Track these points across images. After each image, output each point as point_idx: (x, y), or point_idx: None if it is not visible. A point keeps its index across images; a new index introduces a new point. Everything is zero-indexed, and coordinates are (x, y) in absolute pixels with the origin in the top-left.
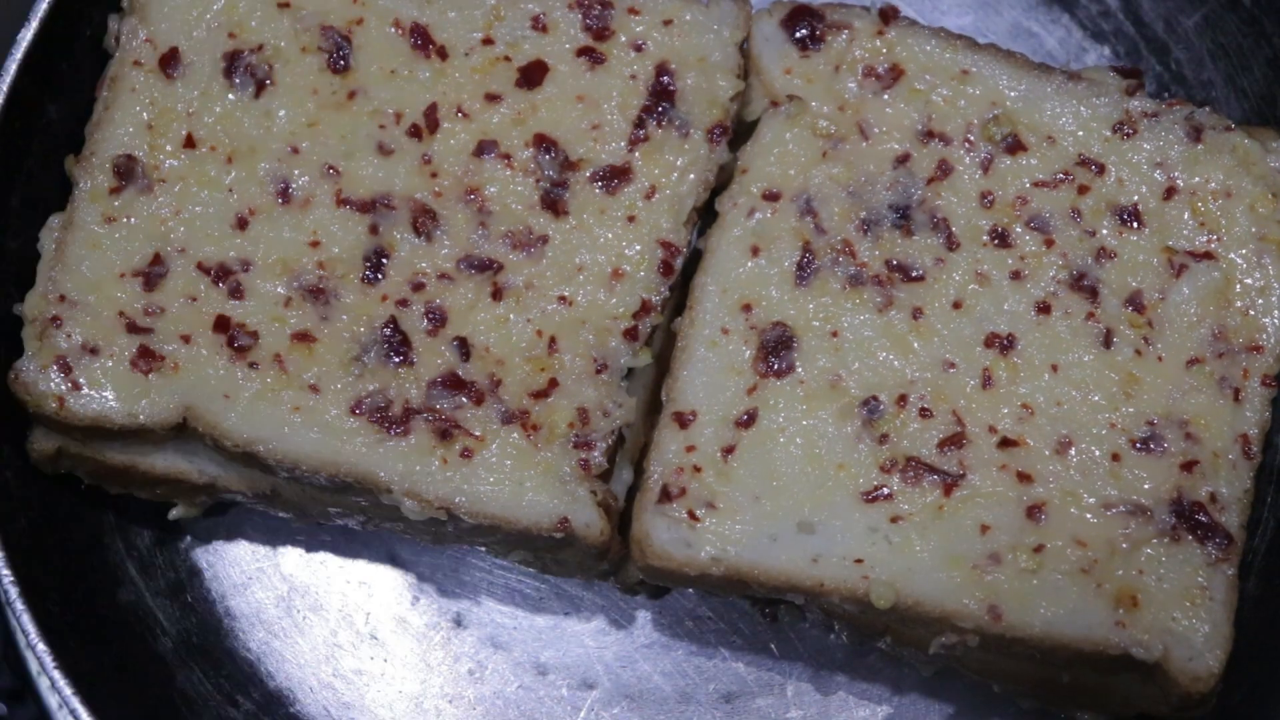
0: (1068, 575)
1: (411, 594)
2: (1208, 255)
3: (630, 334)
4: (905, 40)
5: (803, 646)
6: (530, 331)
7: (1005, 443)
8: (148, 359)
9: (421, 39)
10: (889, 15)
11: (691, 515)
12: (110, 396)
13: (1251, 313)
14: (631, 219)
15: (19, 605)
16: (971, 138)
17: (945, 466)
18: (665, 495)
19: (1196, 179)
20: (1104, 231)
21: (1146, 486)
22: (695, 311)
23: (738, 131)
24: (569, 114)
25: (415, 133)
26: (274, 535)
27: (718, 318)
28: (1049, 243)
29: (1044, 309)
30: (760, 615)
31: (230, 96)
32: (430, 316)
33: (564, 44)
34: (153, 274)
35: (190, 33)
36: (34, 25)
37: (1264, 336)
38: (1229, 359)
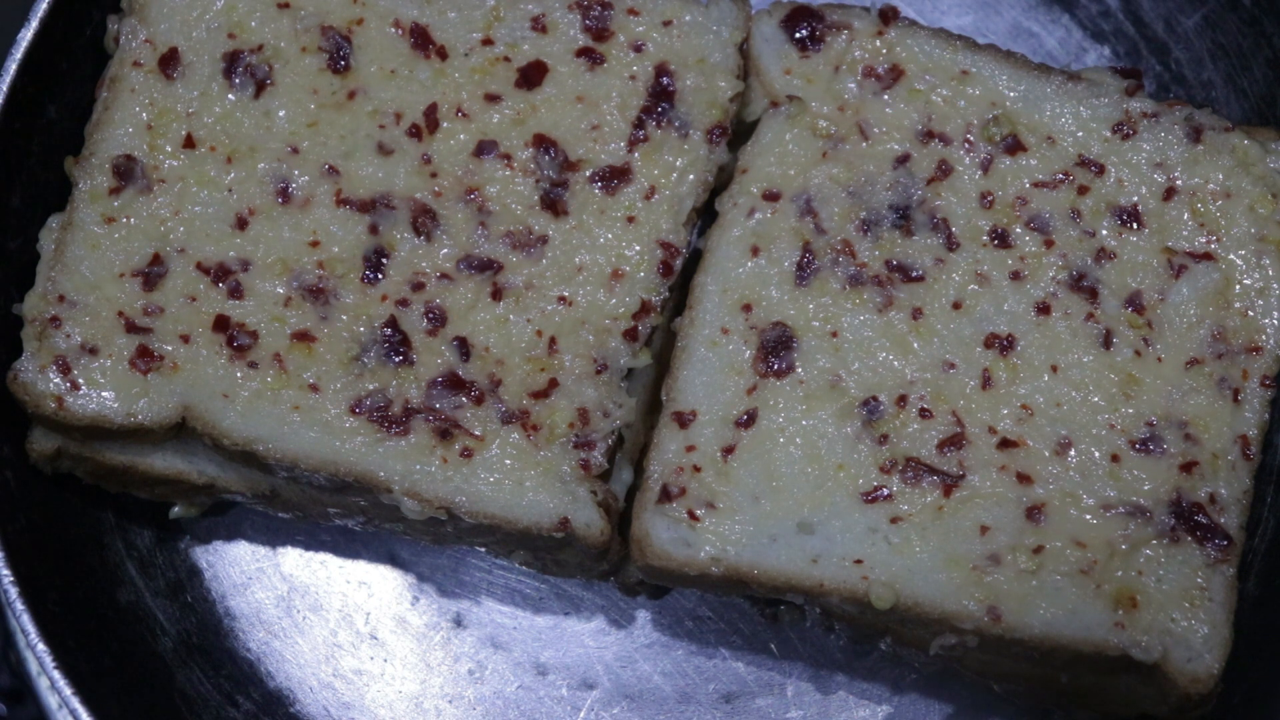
0: (1067, 576)
1: (411, 594)
2: (1207, 256)
3: (630, 334)
4: (905, 40)
5: (803, 646)
6: (530, 332)
7: (1005, 443)
8: (147, 359)
9: (421, 39)
10: (889, 15)
11: (691, 515)
12: (109, 396)
13: (1251, 314)
14: (631, 219)
15: (19, 605)
16: (971, 138)
17: (945, 467)
18: (665, 495)
19: (1196, 180)
20: (1104, 232)
21: (1146, 487)
22: (695, 311)
23: (737, 132)
24: (569, 114)
25: (415, 133)
26: (274, 535)
27: (718, 318)
28: (1049, 243)
29: (1044, 309)
30: (760, 615)
31: (230, 97)
32: (430, 316)
33: (563, 44)
34: (152, 274)
35: (190, 33)
36: (34, 25)
37: (1263, 337)
38: (1228, 360)
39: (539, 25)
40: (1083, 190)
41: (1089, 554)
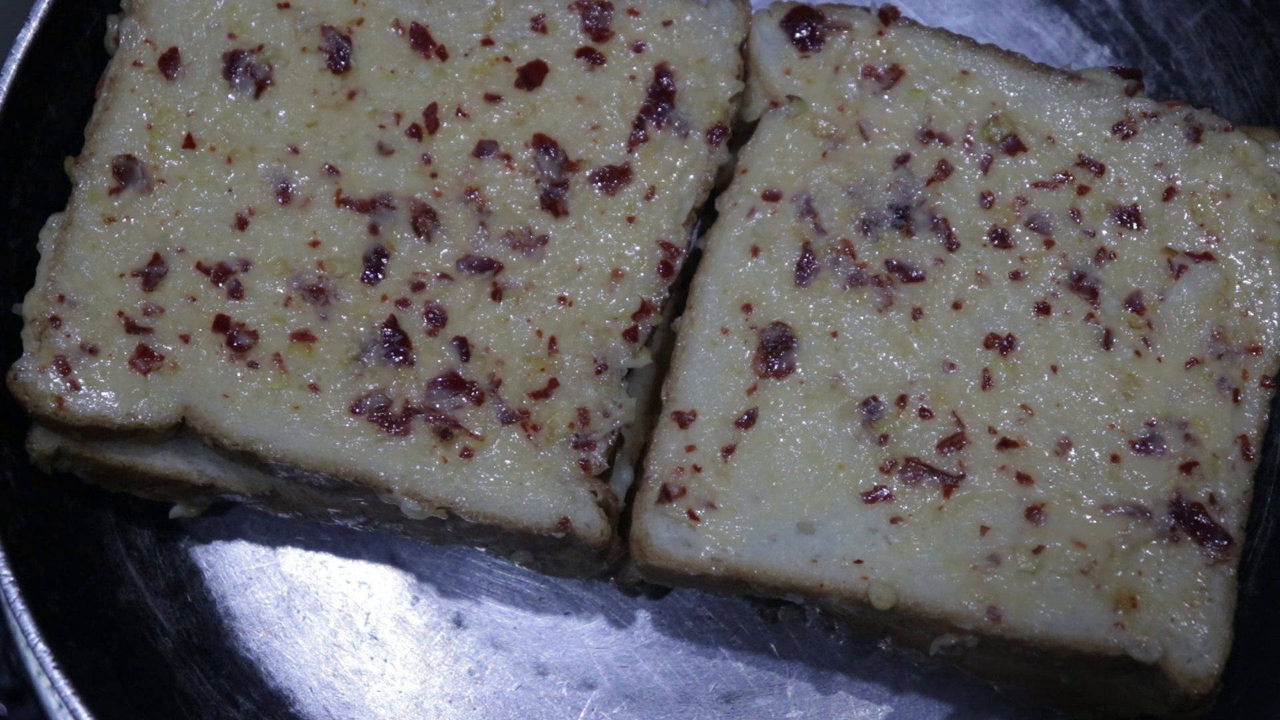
0: (1067, 576)
1: (411, 594)
2: (1207, 256)
3: (630, 334)
4: (905, 40)
5: (803, 646)
6: (530, 332)
7: (1005, 444)
8: (146, 359)
9: (421, 39)
10: (889, 15)
11: (691, 515)
12: (109, 396)
13: (1251, 314)
14: (631, 219)
15: (19, 605)
16: (971, 138)
17: (945, 467)
18: (665, 495)
19: (1196, 180)
20: (1104, 232)
21: (1146, 488)
22: (695, 311)
23: (737, 132)
24: (569, 114)
25: (415, 133)
26: (274, 535)
27: (718, 318)
28: (1049, 243)
29: (1044, 310)
30: (760, 615)
31: (230, 97)
32: (430, 316)
33: (563, 44)
34: (152, 274)
35: (190, 33)
36: (34, 25)
37: (1263, 337)
38: (1228, 360)
39: (539, 25)
40: (1083, 190)
41: (1089, 554)
